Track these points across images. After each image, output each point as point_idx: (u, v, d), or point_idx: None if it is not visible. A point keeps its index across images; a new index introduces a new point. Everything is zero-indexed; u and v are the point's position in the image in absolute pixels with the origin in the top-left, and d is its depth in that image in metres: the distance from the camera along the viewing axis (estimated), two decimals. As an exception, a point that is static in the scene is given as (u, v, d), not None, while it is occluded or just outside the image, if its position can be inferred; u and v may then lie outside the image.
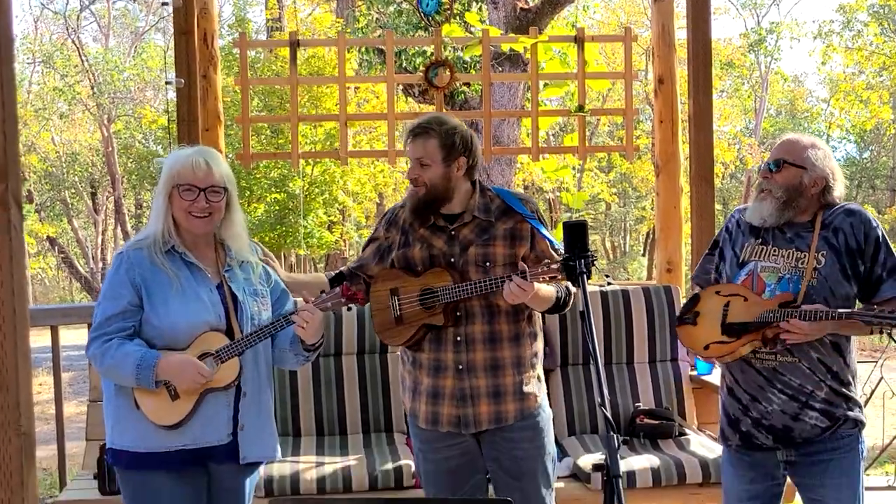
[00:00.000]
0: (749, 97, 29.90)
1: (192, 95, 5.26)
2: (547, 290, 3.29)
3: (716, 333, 3.31)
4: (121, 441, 3.12)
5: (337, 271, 3.64)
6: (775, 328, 3.16)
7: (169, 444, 3.08)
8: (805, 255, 3.23)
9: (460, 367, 3.37)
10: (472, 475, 3.50)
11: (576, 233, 2.91)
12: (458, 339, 3.36)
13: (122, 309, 3.08)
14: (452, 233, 3.40)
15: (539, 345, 3.52)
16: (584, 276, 2.86)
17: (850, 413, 3.25)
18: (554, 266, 3.08)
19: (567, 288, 3.38)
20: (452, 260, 3.37)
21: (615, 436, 2.46)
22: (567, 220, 2.95)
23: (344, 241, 20.85)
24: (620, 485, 2.42)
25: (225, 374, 3.09)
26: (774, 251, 3.30)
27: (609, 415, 2.48)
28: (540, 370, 3.51)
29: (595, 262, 2.92)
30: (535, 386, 3.46)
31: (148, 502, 3.12)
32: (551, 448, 3.51)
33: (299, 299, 3.19)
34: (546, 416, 3.50)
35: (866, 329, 3.18)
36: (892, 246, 3.24)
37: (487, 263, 3.34)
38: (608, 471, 2.44)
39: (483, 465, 3.51)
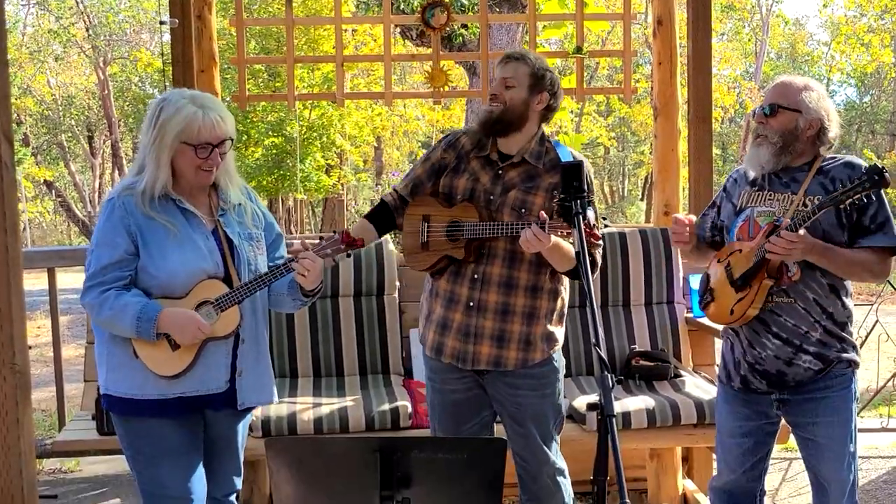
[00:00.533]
0: (750, 40, 29.65)
1: (187, 36, 5.20)
2: (570, 249, 3.26)
3: (732, 295, 3.30)
4: (116, 388, 3.09)
5: (378, 205, 3.63)
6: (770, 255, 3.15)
7: (166, 391, 3.06)
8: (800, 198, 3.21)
9: (471, 304, 3.39)
10: (478, 412, 3.54)
11: (572, 173, 2.89)
12: (476, 276, 3.39)
13: (119, 258, 3.01)
14: (500, 171, 3.42)
15: (559, 304, 3.50)
16: (580, 216, 2.83)
17: (843, 355, 3.26)
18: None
19: (594, 259, 3.36)
20: (491, 198, 3.39)
21: (609, 375, 2.45)
22: (563, 161, 2.91)
23: (341, 184, 20.79)
24: (615, 424, 2.42)
25: (225, 322, 3.06)
26: (770, 195, 3.29)
27: (604, 355, 2.48)
28: (556, 329, 3.50)
29: (591, 203, 2.88)
30: (544, 341, 3.45)
31: (145, 448, 3.11)
32: (557, 400, 3.52)
33: (296, 241, 3.16)
34: (554, 368, 3.50)
35: (843, 261, 3.16)
36: (886, 203, 3.20)
37: (523, 210, 3.35)
38: (602, 410, 2.44)
39: (490, 404, 3.54)
